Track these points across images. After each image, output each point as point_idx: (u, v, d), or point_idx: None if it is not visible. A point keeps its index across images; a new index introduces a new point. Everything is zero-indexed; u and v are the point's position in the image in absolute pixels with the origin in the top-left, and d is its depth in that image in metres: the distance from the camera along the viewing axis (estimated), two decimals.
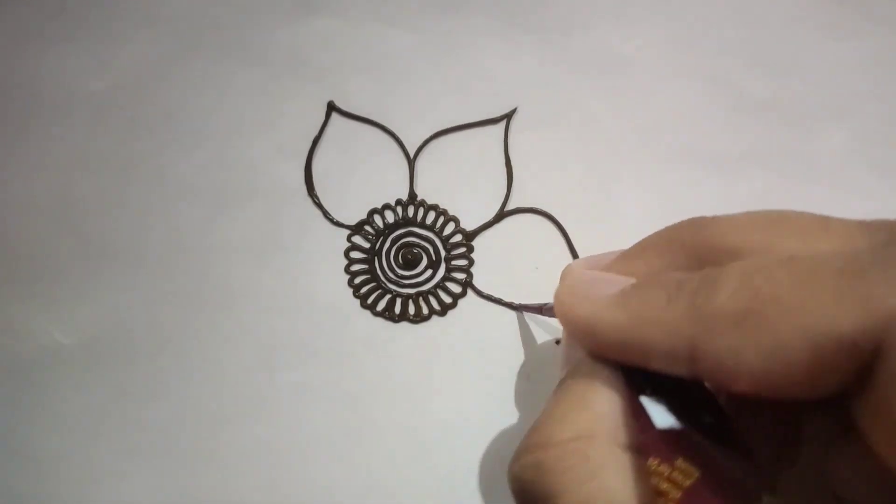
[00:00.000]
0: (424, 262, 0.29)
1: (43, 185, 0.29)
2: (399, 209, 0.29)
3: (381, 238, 0.29)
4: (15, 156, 0.29)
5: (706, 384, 0.16)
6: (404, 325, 0.28)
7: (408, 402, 0.27)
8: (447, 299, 0.28)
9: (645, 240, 0.18)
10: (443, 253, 0.29)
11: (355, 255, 0.29)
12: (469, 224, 0.29)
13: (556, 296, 0.17)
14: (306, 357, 0.27)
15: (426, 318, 0.28)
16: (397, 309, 0.28)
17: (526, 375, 0.27)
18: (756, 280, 0.13)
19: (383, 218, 0.29)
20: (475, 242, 0.29)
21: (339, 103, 0.30)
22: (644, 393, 0.15)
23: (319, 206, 0.29)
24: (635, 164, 0.30)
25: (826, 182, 0.29)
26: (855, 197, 0.29)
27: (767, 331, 0.13)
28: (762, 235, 0.15)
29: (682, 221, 0.17)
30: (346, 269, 0.28)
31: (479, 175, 0.29)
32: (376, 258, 0.29)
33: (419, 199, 0.29)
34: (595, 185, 0.29)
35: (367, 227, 0.29)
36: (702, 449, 0.14)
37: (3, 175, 0.29)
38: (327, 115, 0.30)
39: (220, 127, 0.30)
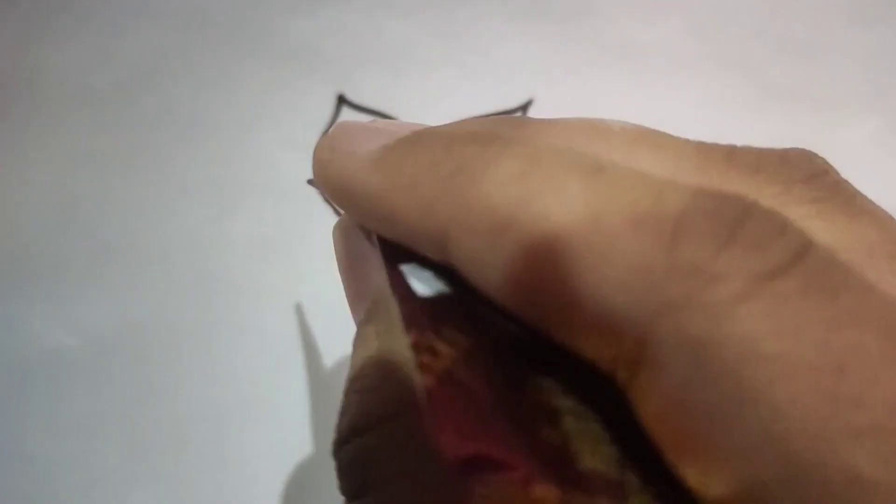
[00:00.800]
0: None
1: (47, 182, 0.29)
2: None
3: None
4: (19, 152, 0.29)
5: None
6: None
7: None
8: None
9: (403, 146, 0.13)
10: None
11: None
12: None
13: (321, 142, 0.14)
14: (314, 354, 0.27)
15: None
16: None
17: None
18: (538, 179, 0.10)
19: None
20: None
21: (348, 95, 0.30)
22: (408, 260, 0.12)
23: (328, 200, 0.28)
24: None
25: (853, 172, 0.29)
26: (882, 187, 0.29)
27: (519, 258, 0.10)
28: (580, 142, 0.11)
29: (500, 116, 0.13)
30: None
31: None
32: None
33: None
34: None
35: None
36: (472, 315, 0.12)
37: (7, 172, 0.29)
38: (337, 108, 0.30)
39: (227, 121, 0.30)
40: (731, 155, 0.10)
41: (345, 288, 0.15)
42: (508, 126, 0.12)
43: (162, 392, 0.27)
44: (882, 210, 0.10)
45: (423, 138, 0.12)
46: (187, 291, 0.28)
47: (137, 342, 0.27)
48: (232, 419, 0.27)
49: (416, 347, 0.10)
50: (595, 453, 0.10)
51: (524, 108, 0.29)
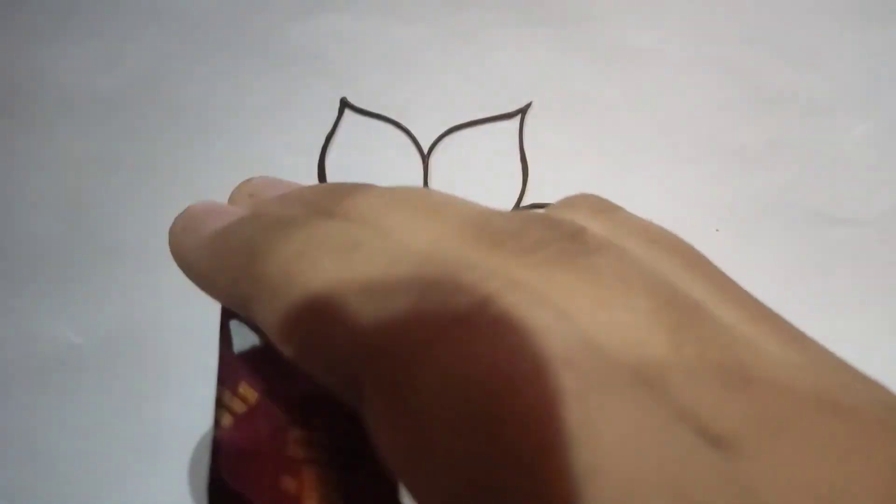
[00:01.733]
0: None
1: (54, 185, 0.29)
2: None
3: None
4: (26, 155, 0.29)
5: None
6: None
7: None
8: None
9: (302, 188, 0.15)
10: None
11: None
12: None
13: (178, 217, 0.15)
14: None
15: None
16: None
17: None
18: (315, 248, 0.11)
19: None
20: None
21: (351, 99, 0.30)
22: (236, 316, 0.14)
23: None
24: (653, 158, 0.29)
25: (849, 175, 0.29)
26: (879, 190, 0.29)
27: (283, 317, 0.11)
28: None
29: (345, 183, 0.14)
30: None
31: (494, 171, 0.29)
32: None
33: None
34: (612, 179, 0.29)
35: None
36: (271, 370, 0.13)
37: (15, 174, 0.29)
38: (340, 112, 0.30)
39: (232, 124, 0.30)
40: (484, 228, 0.12)
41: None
42: (337, 196, 0.13)
43: (168, 390, 0.27)
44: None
45: (247, 220, 0.14)
46: (193, 291, 0.28)
47: (144, 341, 0.27)
48: None
49: (218, 402, 0.13)
50: (322, 500, 0.12)
51: (523, 110, 0.30)
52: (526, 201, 0.29)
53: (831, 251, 0.28)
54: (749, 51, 0.31)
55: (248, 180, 0.17)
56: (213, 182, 0.29)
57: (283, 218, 0.13)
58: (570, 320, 0.10)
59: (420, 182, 0.29)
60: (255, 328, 0.14)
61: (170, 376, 0.27)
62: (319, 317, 0.11)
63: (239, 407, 0.13)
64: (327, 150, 0.29)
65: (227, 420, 0.13)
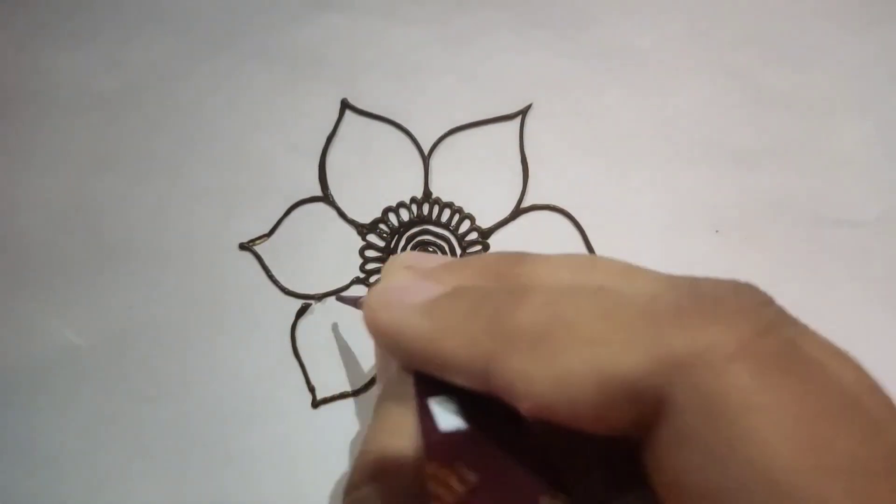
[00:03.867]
0: None
1: (56, 185, 0.29)
2: (414, 207, 0.29)
3: (397, 236, 0.29)
4: (26, 155, 0.29)
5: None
6: None
7: None
8: None
9: (466, 258, 0.17)
10: (458, 251, 0.28)
11: (370, 253, 0.28)
12: (485, 222, 0.29)
13: (365, 300, 0.17)
14: (322, 356, 0.27)
15: None
16: None
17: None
18: (560, 304, 0.13)
19: (398, 216, 0.29)
20: (491, 240, 0.28)
21: (352, 101, 0.30)
22: (435, 395, 0.15)
23: (334, 204, 0.29)
24: (652, 159, 0.29)
25: (846, 176, 0.29)
26: (878, 191, 0.29)
27: (559, 359, 0.12)
28: (571, 275, 0.14)
29: (504, 252, 0.16)
30: (361, 268, 0.28)
31: (495, 172, 0.29)
32: (391, 256, 0.28)
33: (434, 196, 0.29)
34: (611, 181, 0.29)
35: (382, 226, 0.29)
36: (486, 454, 0.14)
37: (17, 175, 0.29)
38: (341, 113, 0.30)
39: (233, 125, 0.30)
40: (688, 286, 0.13)
41: (375, 357, 0.19)
42: (508, 264, 0.15)
43: (168, 391, 0.27)
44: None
45: (460, 292, 0.15)
46: (193, 292, 0.28)
47: (144, 342, 0.27)
48: (237, 418, 0.27)
49: (434, 479, 0.13)
50: None
51: (524, 112, 0.30)
52: (526, 202, 0.29)
53: (830, 252, 0.28)
54: (748, 52, 0.31)
55: (397, 256, 0.20)
56: (214, 183, 0.29)
57: (503, 277, 0.15)
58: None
59: (421, 182, 0.29)
60: (462, 406, 0.15)
61: (170, 376, 0.27)
62: (603, 345, 0.12)
63: (458, 486, 0.13)
64: (328, 151, 0.29)
65: (447, 497, 0.13)
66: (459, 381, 0.14)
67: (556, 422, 0.13)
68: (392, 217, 0.29)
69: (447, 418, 0.14)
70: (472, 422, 0.14)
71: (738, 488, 0.10)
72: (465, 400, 0.15)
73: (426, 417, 0.14)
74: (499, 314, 0.14)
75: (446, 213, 0.29)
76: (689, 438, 0.11)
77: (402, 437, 0.15)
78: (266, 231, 0.28)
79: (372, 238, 0.28)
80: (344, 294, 0.27)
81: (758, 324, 0.12)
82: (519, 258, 0.15)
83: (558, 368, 0.12)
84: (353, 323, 0.28)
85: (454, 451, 0.14)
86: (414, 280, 0.16)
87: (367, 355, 0.27)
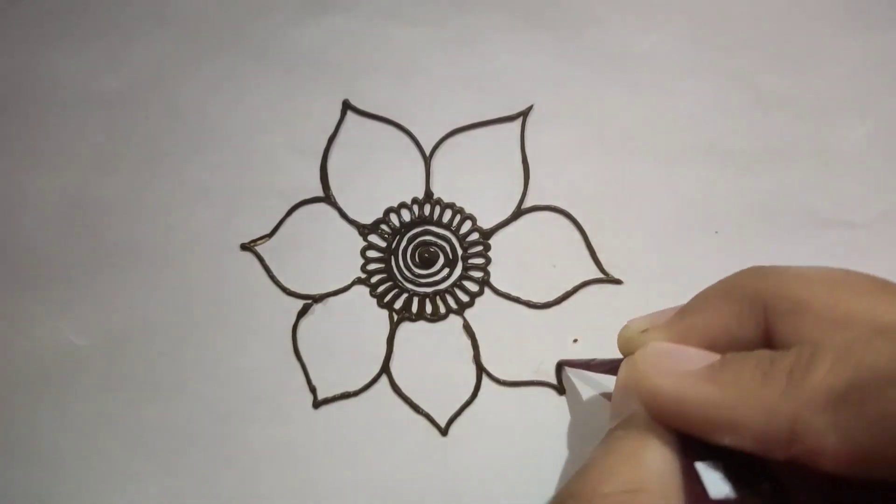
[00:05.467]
0: (441, 260, 0.29)
1: (57, 186, 0.29)
2: (415, 207, 0.29)
3: (398, 237, 0.29)
4: (28, 155, 0.29)
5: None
6: (421, 324, 0.28)
7: (425, 399, 0.27)
8: (464, 298, 0.28)
9: (704, 292, 0.18)
10: (459, 251, 0.29)
11: (372, 254, 0.28)
12: (486, 222, 0.29)
13: (635, 366, 0.17)
14: (323, 356, 0.27)
15: (443, 317, 0.28)
16: (414, 308, 0.28)
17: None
18: (855, 353, 0.13)
19: (399, 216, 0.29)
20: (492, 241, 0.29)
21: (354, 101, 0.30)
22: (701, 458, 0.15)
23: (335, 204, 0.29)
24: (653, 160, 0.29)
25: (846, 178, 0.29)
26: (876, 193, 0.29)
27: (874, 404, 0.12)
28: (827, 291, 0.15)
29: (741, 271, 0.17)
30: (363, 268, 0.28)
31: (496, 173, 0.29)
32: (393, 257, 0.28)
33: (435, 197, 0.29)
34: (612, 182, 0.29)
35: (384, 226, 0.29)
36: None
37: (18, 175, 0.29)
38: (342, 114, 0.30)
39: (235, 126, 0.30)
40: None
41: (614, 396, 0.19)
42: (752, 280, 0.16)
43: (169, 391, 0.27)
44: None
45: (740, 356, 0.15)
46: (194, 292, 0.28)
47: (145, 342, 0.27)
48: (237, 418, 0.27)
49: None
50: None
51: (525, 113, 0.30)
52: (527, 203, 0.29)
53: (829, 253, 0.28)
54: (748, 55, 0.31)
55: (627, 326, 0.21)
56: (215, 183, 0.29)
57: (783, 337, 0.15)
58: None
59: (422, 183, 0.29)
60: (728, 472, 0.15)
61: (170, 376, 0.27)
62: None
63: None
64: (329, 152, 0.29)
65: None
66: (750, 447, 0.14)
67: (866, 473, 0.13)
68: (393, 217, 0.29)
69: (717, 485, 0.14)
70: (740, 490, 0.14)
71: None
72: (731, 466, 0.15)
73: (696, 482, 0.14)
74: (795, 375, 0.14)
75: (448, 213, 0.29)
76: None
77: (637, 464, 0.15)
78: (267, 231, 0.28)
79: (373, 238, 0.29)
80: (569, 359, 0.27)
81: None
82: (762, 273, 0.16)
83: (875, 412, 0.12)
84: (354, 323, 0.28)
85: None
86: (679, 347, 0.17)
87: (367, 355, 0.27)
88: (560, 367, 0.27)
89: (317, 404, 0.27)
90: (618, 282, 0.28)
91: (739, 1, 0.32)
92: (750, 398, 0.14)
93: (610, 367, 0.24)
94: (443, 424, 0.27)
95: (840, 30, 0.31)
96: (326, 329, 0.28)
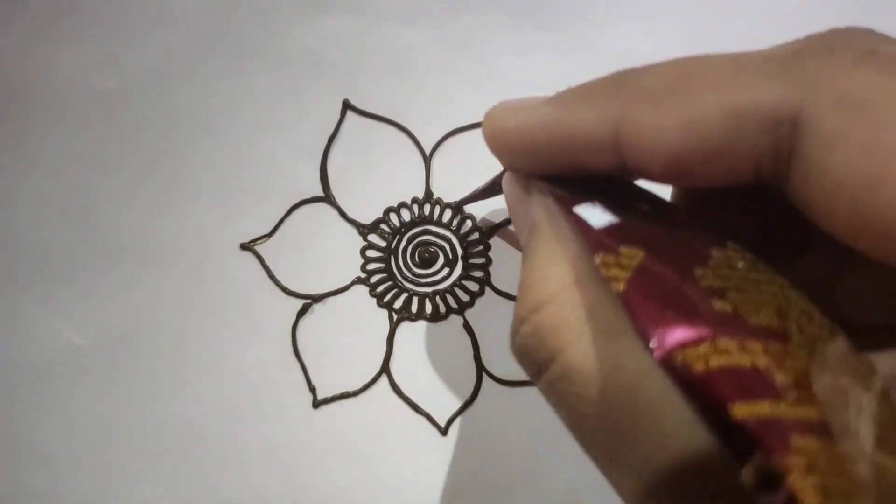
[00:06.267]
0: (441, 260, 0.29)
1: (55, 185, 0.29)
2: (415, 207, 0.29)
3: (398, 236, 0.29)
4: (26, 154, 0.29)
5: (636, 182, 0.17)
6: (421, 324, 0.28)
7: (425, 400, 0.27)
8: (464, 298, 0.28)
9: (571, 88, 0.17)
10: (459, 251, 0.29)
11: (371, 253, 0.28)
12: (486, 222, 0.29)
13: (487, 114, 0.17)
14: (323, 356, 0.27)
15: (444, 317, 0.28)
16: (414, 308, 0.28)
17: None
18: (683, 63, 0.14)
19: (399, 216, 0.29)
20: (492, 241, 0.29)
21: (354, 101, 0.30)
22: (577, 203, 0.15)
23: (335, 204, 0.29)
24: None
25: None
26: None
27: (688, 105, 0.13)
28: (683, 77, 0.15)
29: (608, 74, 0.16)
30: (363, 268, 0.28)
31: (496, 173, 0.29)
32: (393, 257, 0.28)
33: (435, 197, 0.29)
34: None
35: (384, 226, 0.29)
36: (642, 232, 0.14)
37: (16, 175, 0.29)
38: (342, 114, 0.30)
39: (234, 126, 0.30)
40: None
41: (512, 220, 0.19)
42: (616, 80, 0.16)
43: (168, 391, 0.27)
44: None
45: (580, 85, 0.15)
46: (193, 292, 0.28)
47: (144, 342, 0.27)
48: (237, 418, 0.27)
49: (605, 265, 0.13)
50: (759, 312, 0.13)
51: (463, 198, 0.30)
52: None
53: None
54: None
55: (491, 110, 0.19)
56: (215, 183, 0.29)
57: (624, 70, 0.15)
58: None
59: (422, 183, 0.29)
60: (605, 206, 0.15)
61: (170, 376, 0.27)
62: (731, 91, 0.13)
63: (628, 262, 0.13)
64: (329, 152, 0.29)
65: (624, 274, 0.13)
66: (593, 159, 0.15)
67: (687, 178, 0.14)
68: (393, 217, 0.29)
69: (597, 217, 0.15)
70: (621, 216, 0.15)
71: (885, 173, 0.11)
72: (607, 201, 0.15)
73: (578, 222, 0.15)
74: (624, 82, 0.14)
75: (447, 213, 0.29)
76: (830, 145, 0.12)
77: (560, 260, 0.15)
78: (267, 231, 0.28)
79: (373, 238, 0.29)
80: (459, 200, 0.28)
81: (869, 42, 0.14)
82: (628, 73, 0.16)
83: (689, 112, 0.13)
84: (353, 323, 0.28)
85: (614, 238, 0.14)
86: (530, 97, 0.17)
87: (367, 355, 0.27)
88: (459, 209, 0.28)
89: (317, 404, 0.27)
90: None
91: (739, 2, 0.32)
92: (582, 105, 0.15)
93: (491, 186, 0.25)
94: (443, 424, 0.27)
95: None
96: (326, 329, 0.28)
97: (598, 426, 0.14)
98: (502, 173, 0.21)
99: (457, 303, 0.28)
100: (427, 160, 0.29)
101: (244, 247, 0.28)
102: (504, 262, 0.28)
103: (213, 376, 0.27)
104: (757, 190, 0.14)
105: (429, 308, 0.28)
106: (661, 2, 0.32)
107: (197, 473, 0.26)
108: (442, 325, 0.28)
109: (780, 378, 0.11)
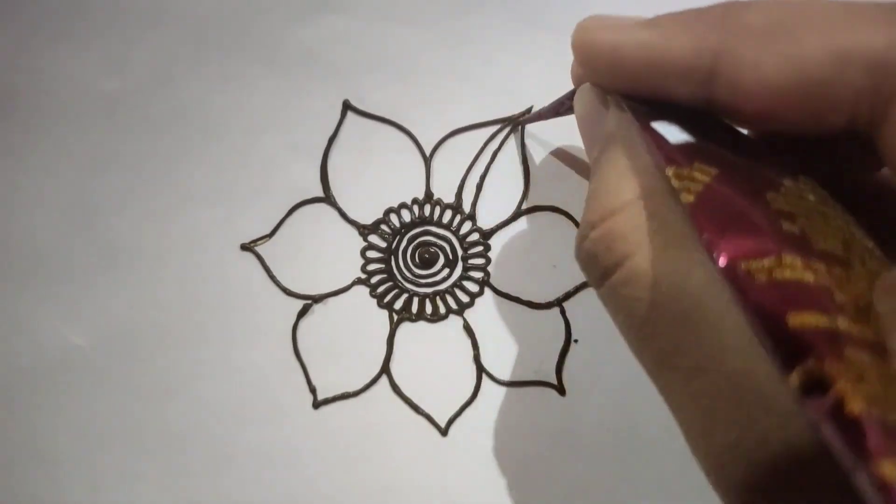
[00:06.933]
0: (441, 261, 0.29)
1: (56, 186, 0.29)
2: (415, 208, 0.29)
3: (398, 237, 0.29)
4: (28, 155, 0.29)
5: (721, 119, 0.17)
6: (422, 324, 0.28)
7: (425, 400, 0.27)
8: (464, 298, 0.28)
9: (668, 14, 0.17)
10: (460, 252, 0.29)
11: (372, 254, 0.28)
12: (486, 223, 0.29)
13: (579, 25, 0.17)
14: (323, 356, 0.27)
15: (444, 318, 0.28)
16: (414, 308, 0.28)
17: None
18: (789, 2, 0.13)
19: (399, 217, 0.29)
20: (492, 241, 0.29)
21: (354, 102, 0.30)
22: (654, 120, 0.15)
23: (335, 204, 0.29)
24: None
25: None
26: None
27: (792, 43, 0.13)
28: (790, 16, 0.14)
29: (708, 5, 0.16)
30: (363, 269, 0.28)
31: (496, 173, 0.29)
32: (393, 257, 0.28)
33: (435, 197, 0.29)
34: None
35: (384, 226, 0.29)
36: (717, 153, 0.14)
37: (16, 176, 0.29)
38: (342, 114, 0.30)
39: (234, 126, 0.30)
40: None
41: (582, 135, 0.19)
42: (720, 10, 0.15)
43: (168, 391, 0.27)
44: None
45: (679, 12, 0.15)
46: (194, 293, 0.28)
47: (144, 343, 0.27)
48: (237, 418, 0.27)
49: (677, 177, 0.13)
50: (825, 240, 0.13)
51: (525, 115, 0.30)
52: (527, 203, 0.29)
53: None
54: None
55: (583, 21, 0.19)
56: (215, 183, 0.29)
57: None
58: None
59: (422, 183, 0.29)
60: (683, 126, 0.15)
61: (169, 376, 0.27)
62: (838, 34, 0.13)
63: (701, 177, 0.13)
64: (330, 152, 0.29)
65: (696, 187, 0.13)
66: (682, 88, 0.15)
67: (779, 119, 0.13)
68: (393, 218, 0.29)
69: (675, 134, 0.15)
70: (697, 136, 0.15)
71: None
72: (684, 123, 0.15)
73: (653, 135, 0.15)
74: (728, 14, 0.14)
75: (448, 213, 0.29)
76: None
77: (637, 172, 0.15)
78: (267, 232, 0.28)
79: (373, 239, 0.29)
80: (523, 118, 0.28)
81: None
82: (733, 4, 0.15)
83: (793, 49, 0.13)
84: (354, 323, 0.28)
85: (689, 154, 0.14)
86: (616, 15, 0.17)
87: (367, 356, 0.27)
88: (519, 127, 0.28)
89: (317, 404, 0.27)
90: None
91: None
92: (682, 33, 0.14)
93: (559, 105, 0.24)
94: (443, 424, 0.27)
95: None
96: (326, 329, 0.28)
97: (654, 332, 0.14)
98: (572, 92, 0.21)
99: (457, 303, 0.28)
100: (427, 160, 0.29)
101: (244, 247, 0.28)
102: (504, 262, 0.28)
103: (213, 377, 0.27)
104: (834, 147, 0.14)
105: (429, 308, 0.28)
106: (661, 2, 0.32)
107: (197, 473, 0.26)
108: (442, 325, 0.28)
109: (840, 297, 0.11)
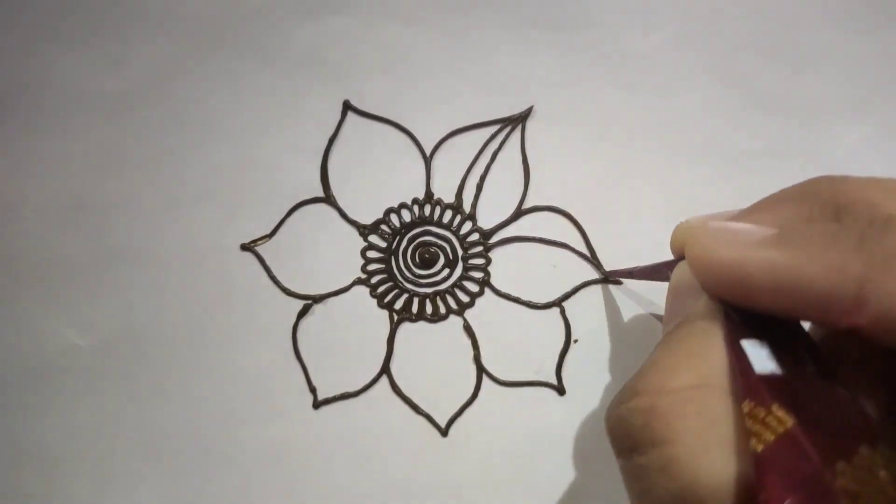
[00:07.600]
0: (441, 261, 0.29)
1: (57, 186, 0.29)
2: (416, 208, 0.29)
3: (398, 237, 0.29)
4: (28, 156, 0.29)
5: (808, 332, 0.16)
6: (422, 324, 0.28)
7: (425, 400, 0.27)
8: (464, 298, 0.28)
9: (774, 195, 0.16)
10: (460, 252, 0.29)
11: (372, 254, 0.28)
12: (486, 223, 0.29)
13: (692, 237, 0.16)
14: (323, 356, 0.27)
15: (444, 318, 0.28)
16: (414, 308, 0.28)
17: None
18: None
19: (400, 217, 0.29)
20: (493, 241, 0.29)
21: (354, 102, 0.30)
22: (746, 337, 0.15)
23: (335, 205, 0.29)
24: (652, 161, 0.29)
25: None
26: None
27: None
28: (883, 196, 0.14)
29: (812, 178, 0.16)
30: (363, 269, 0.28)
31: (496, 173, 0.29)
32: (393, 257, 0.28)
33: (436, 197, 0.29)
34: (612, 182, 0.29)
35: (384, 226, 0.29)
36: (800, 397, 0.14)
37: (18, 176, 0.29)
38: (343, 114, 0.30)
39: (235, 127, 0.30)
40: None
41: (667, 302, 0.19)
42: (829, 185, 0.15)
43: (169, 392, 0.27)
44: None
45: (811, 225, 0.14)
46: (194, 293, 0.28)
47: (146, 343, 0.27)
48: (237, 418, 0.27)
49: (751, 416, 0.13)
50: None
51: (524, 115, 0.30)
52: (527, 203, 0.29)
53: None
54: (747, 56, 0.31)
55: (684, 221, 0.19)
56: (216, 184, 0.29)
57: (853, 217, 0.14)
58: None
59: (422, 183, 0.29)
60: (774, 352, 0.14)
61: (170, 377, 0.27)
62: None
63: (776, 426, 0.13)
64: (330, 152, 0.29)
65: (767, 436, 0.13)
66: (813, 313, 0.14)
67: None
68: (394, 218, 0.29)
69: (762, 361, 0.14)
70: (785, 368, 0.14)
71: None
72: (775, 344, 0.15)
73: (741, 358, 0.14)
74: (867, 238, 0.13)
75: (448, 213, 0.29)
76: None
77: (703, 358, 0.14)
78: (268, 232, 0.28)
79: (373, 239, 0.29)
80: (615, 269, 0.28)
81: None
82: (837, 178, 0.15)
83: None
84: (354, 323, 0.28)
85: (771, 392, 0.13)
86: (737, 223, 0.16)
87: (367, 356, 0.27)
88: (606, 278, 0.28)
89: (317, 405, 0.27)
90: (618, 282, 0.28)
91: (738, 2, 0.32)
92: (817, 258, 0.13)
93: (653, 270, 0.24)
94: (443, 425, 0.27)
95: (838, 31, 0.31)
96: (326, 329, 0.28)
97: None
98: (672, 262, 0.20)
99: (457, 303, 0.28)
100: (427, 160, 0.29)
101: (245, 247, 0.28)
102: (504, 262, 0.28)
103: (213, 377, 0.27)
104: None
105: (429, 308, 0.28)
106: (661, 2, 0.32)
107: (197, 474, 0.26)
108: (442, 325, 0.28)
109: None
